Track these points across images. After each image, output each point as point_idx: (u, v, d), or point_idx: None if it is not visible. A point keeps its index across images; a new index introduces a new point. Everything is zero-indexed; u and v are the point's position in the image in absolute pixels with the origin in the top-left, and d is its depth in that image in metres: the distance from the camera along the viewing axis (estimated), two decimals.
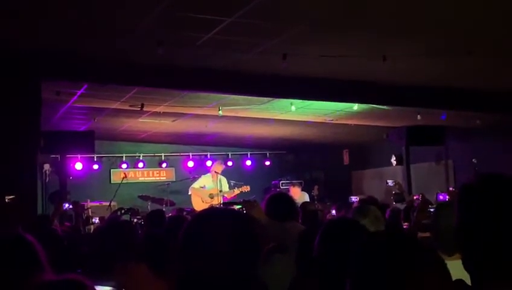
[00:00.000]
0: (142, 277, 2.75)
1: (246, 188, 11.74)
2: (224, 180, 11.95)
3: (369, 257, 1.44)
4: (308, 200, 11.99)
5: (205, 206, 11.21)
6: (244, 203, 5.07)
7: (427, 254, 1.45)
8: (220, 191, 11.52)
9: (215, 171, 11.89)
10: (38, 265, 2.36)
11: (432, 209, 6.15)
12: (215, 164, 12.43)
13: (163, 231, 4.30)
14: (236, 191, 11.71)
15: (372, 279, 1.40)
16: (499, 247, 1.53)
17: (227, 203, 5.61)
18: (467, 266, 1.59)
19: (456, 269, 2.16)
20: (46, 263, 2.39)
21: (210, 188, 11.71)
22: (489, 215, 1.54)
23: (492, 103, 9.84)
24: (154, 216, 6.50)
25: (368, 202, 7.01)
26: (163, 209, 11.05)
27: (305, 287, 2.85)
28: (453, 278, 1.74)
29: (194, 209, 10.88)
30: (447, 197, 9.35)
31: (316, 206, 9.38)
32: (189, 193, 11.93)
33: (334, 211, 8.42)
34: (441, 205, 3.99)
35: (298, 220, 5.12)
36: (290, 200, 4.96)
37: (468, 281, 1.66)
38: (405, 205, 8.81)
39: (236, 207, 6.03)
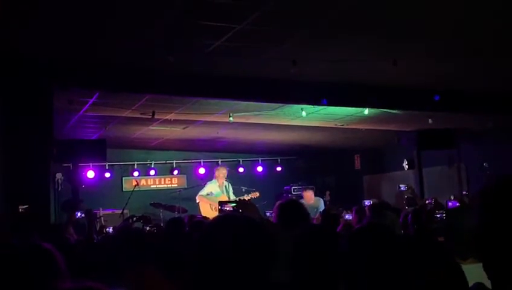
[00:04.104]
0: (155, 283, 2.74)
1: (256, 195, 11.63)
2: (230, 186, 11.80)
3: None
4: (323, 205, 11.94)
5: (215, 213, 11.11)
6: (238, 202, 5.04)
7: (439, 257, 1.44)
8: (229, 197, 11.44)
9: (221, 178, 11.77)
10: (57, 273, 2.36)
11: (438, 215, 6.13)
12: (218, 170, 12.05)
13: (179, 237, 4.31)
14: (246, 197, 11.58)
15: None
16: None
17: (223, 203, 5.64)
18: (487, 270, 1.58)
19: (471, 273, 2.16)
20: (65, 271, 2.39)
21: (218, 195, 11.59)
22: (509, 218, 1.53)
23: (504, 104, 9.79)
24: (172, 223, 6.54)
25: (379, 206, 6.98)
26: (175, 216, 11.06)
27: None
28: (470, 282, 1.73)
29: (204, 217, 10.77)
30: (457, 203, 9.32)
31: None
32: (197, 201, 11.81)
33: (347, 216, 8.39)
34: (452, 210, 3.98)
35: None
36: (300, 206, 4.94)
37: (484, 284, 1.65)
38: (413, 209, 8.76)
39: (231, 205, 6.01)
